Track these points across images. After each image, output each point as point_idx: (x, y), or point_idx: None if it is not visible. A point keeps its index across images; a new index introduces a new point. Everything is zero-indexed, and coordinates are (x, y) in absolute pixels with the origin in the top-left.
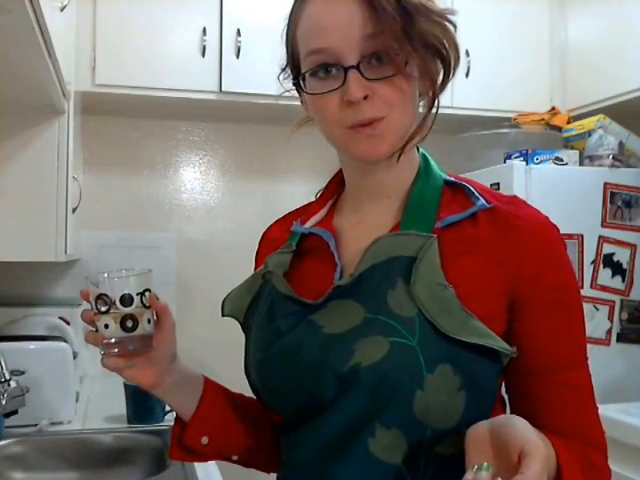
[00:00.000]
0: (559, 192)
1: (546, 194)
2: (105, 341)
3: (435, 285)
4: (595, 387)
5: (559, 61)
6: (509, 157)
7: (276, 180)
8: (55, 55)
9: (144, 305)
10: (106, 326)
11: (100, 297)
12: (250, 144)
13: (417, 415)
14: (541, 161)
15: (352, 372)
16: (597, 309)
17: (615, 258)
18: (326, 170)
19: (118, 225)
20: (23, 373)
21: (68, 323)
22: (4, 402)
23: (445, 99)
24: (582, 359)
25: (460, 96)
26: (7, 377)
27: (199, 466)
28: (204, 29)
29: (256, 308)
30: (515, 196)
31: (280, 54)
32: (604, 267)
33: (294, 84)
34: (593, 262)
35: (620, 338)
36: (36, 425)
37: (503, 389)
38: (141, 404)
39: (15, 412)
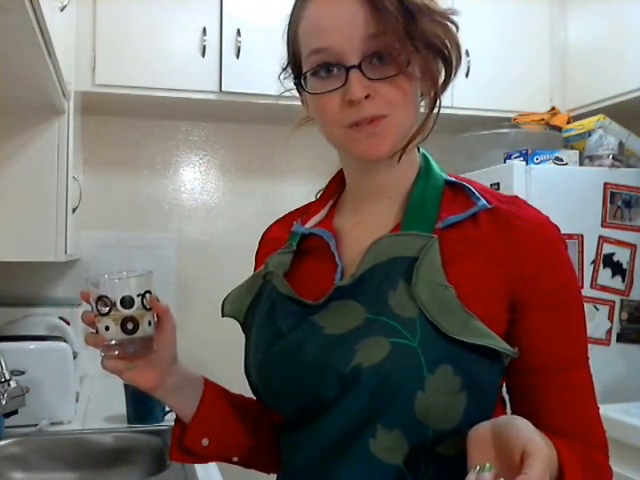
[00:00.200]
0: (559, 192)
1: (546, 194)
2: (105, 343)
3: (436, 286)
4: (595, 387)
5: (559, 61)
6: (509, 157)
7: (276, 180)
8: (55, 55)
9: (145, 307)
10: (106, 328)
11: (100, 299)
12: (250, 144)
13: (418, 416)
14: (541, 161)
15: (353, 373)
16: (597, 309)
17: (615, 258)
18: (326, 170)
19: (118, 225)
20: (23, 373)
21: (68, 323)
22: (4, 402)
23: (445, 99)
24: (583, 359)
25: (460, 96)
26: (7, 377)
27: (199, 466)
28: (204, 29)
29: (256, 308)
30: (516, 196)
31: (281, 54)
32: (604, 267)
33: (295, 84)
34: (593, 262)
35: (620, 338)
36: (36, 425)
37: (504, 389)
38: (141, 404)
39: (15, 412)
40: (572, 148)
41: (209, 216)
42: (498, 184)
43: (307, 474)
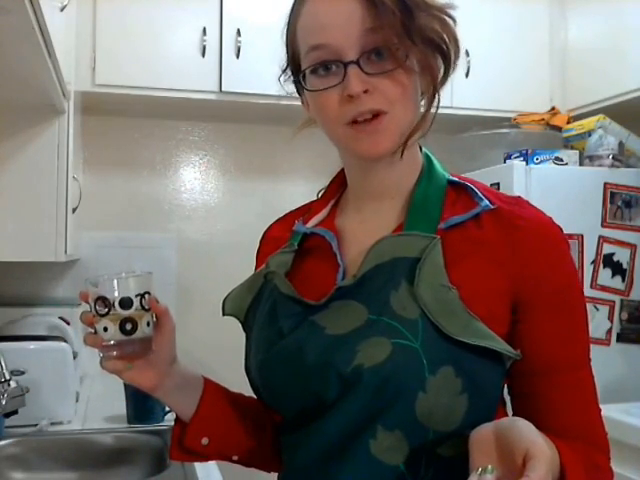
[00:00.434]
0: (559, 192)
1: (546, 194)
2: (104, 344)
3: (438, 286)
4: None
5: (559, 61)
6: (509, 157)
7: (276, 180)
8: (55, 55)
9: (144, 308)
10: (105, 329)
11: (99, 299)
12: (250, 144)
13: (419, 417)
14: (541, 161)
15: (354, 373)
16: (597, 309)
17: (615, 258)
18: (326, 170)
19: (118, 225)
20: (23, 373)
21: (68, 323)
22: (4, 402)
23: (445, 99)
24: (585, 360)
25: (460, 96)
26: (7, 377)
27: (199, 466)
28: (204, 29)
29: (257, 308)
30: (519, 197)
31: (280, 54)
32: (604, 267)
33: (294, 82)
34: (593, 262)
35: (620, 338)
36: (36, 425)
37: (505, 390)
38: (141, 404)
39: (15, 412)
40: (572, 148)
41: (209, 216)
42: (498, 184)
43: (307, 474)
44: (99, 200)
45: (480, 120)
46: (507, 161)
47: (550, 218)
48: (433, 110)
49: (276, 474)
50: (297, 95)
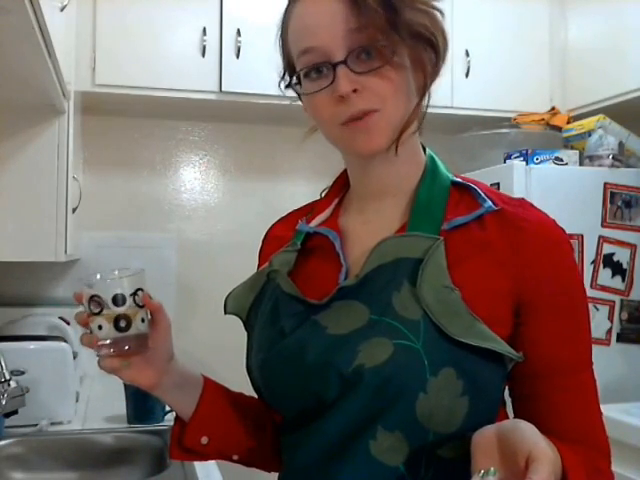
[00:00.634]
0: (559, 192)
1: (546, 194)
2: (100, 342)
3: (441, 287)
4: None
5: (559, 61)
6: (509, 157)
7: (276, 180)
8: (55, 55)
9: (137, 305)
10: (100, 327)
11: (92, 298)
12: (250, 144)
13: (419, 418)
14: (541, 161)
15: (355, 373)
16: (597, 309)
17: (615, 258)
18: (327, 170)
19: (118, 225)
20: (23, 373)
21: (68, 323)
22: (4, 402)
23: (445, 99)
24: (587, 362)
25: (460, 96)
26: (7, 377)
27: (199, 466)
28: (204, 29)
29: (259, 307)
30: (523, 199)
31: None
32: (604, 267)
33: (293, 85)
34: (593, 262)
35: (620, 338)
36: (36, 425)
37: (506, 393)
38: (141, 404)
39: (15, 412)
40: (572, 148)
41: (209, 216)
42: (498, 184)
43: (307, 474)
44: (99, 200)
45: (480, 120)
46: (507, 161)
47: (553, 220)
48: (425, 104)
49: (276, 474)
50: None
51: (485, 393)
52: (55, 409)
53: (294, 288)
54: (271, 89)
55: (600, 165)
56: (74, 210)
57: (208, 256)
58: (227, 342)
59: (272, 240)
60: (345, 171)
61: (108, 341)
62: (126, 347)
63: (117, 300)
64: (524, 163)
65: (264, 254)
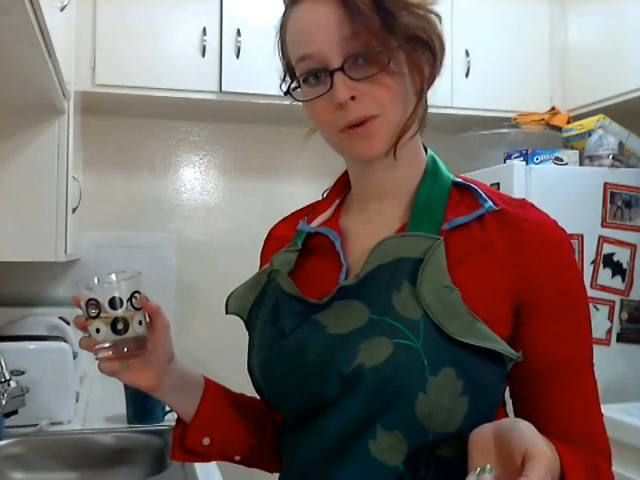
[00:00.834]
0: (559, 192)
1: (546, 194)
2: (98, 346)
3: (441, 287)
4: None
5: (559, 61)
6: (509, 157)
7: (276, 180)
8: (55, 55)
9: (134, 307)
10: (97, 330)
11: (90, 302)
12: (250, 144)
13: (419, 418)
14: (541, 161)
15: (355, 373)
16: (597, 309)
17: (615, 258)
18: (327, 170)
19: (118, 225)
20: (23, 373)
21: (68, 323)
22: (4, 402)
23: (445, 99)
24: (588, 363)
25: (460, 96)
26: (7, 377)
27: (199, 466)
28: (204, 29)
29: (260, 306)
30: (524, 199)
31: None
32: (604, 267)
33: (292, 90)
34: (593, 262)
35: (620, 338)
36: (36, 425)
37: (507, 393)
38: (141, 404)
39: (15, 412)
40: (572, 148)
41: (209, 216)
42: (498, 184)
43: (307, 474)
44: (99, 200)
45: (480, 120)
46: (507, 161)
47: (554, 221)
48: (422, 107)
49: (277, 475)
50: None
51: (485, 393)
52: (55, 409)
53: (294, 288)
54: (271, 89)
55: (600, 165)
56: (74, 210)
57: (208, 256)
58: (227, 342)
59: (274, 240)
60: (346, 172)
61: (106, 344)
62: (124, 349)
63: (114, 303)
64: (524, 163)
65: (266, 254)
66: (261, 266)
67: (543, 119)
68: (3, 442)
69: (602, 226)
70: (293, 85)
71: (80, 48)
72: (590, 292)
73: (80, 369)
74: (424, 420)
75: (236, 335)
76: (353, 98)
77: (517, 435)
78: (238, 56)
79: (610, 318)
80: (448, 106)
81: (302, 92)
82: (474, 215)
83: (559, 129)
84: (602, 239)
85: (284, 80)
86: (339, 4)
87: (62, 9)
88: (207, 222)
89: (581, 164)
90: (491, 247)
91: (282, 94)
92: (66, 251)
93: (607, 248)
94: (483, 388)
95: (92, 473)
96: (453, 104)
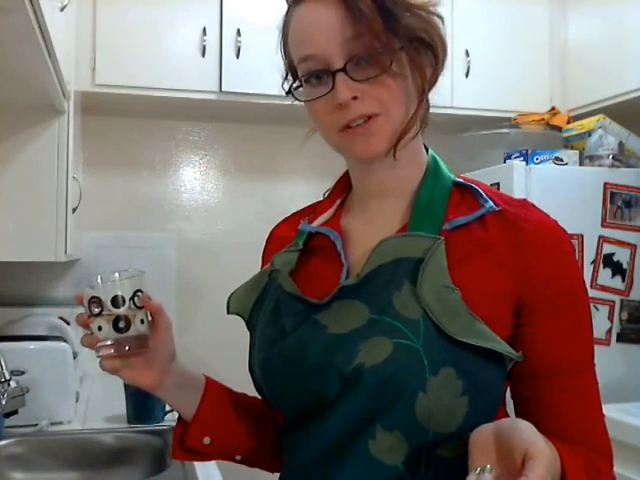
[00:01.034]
0: (559, 192)
1: (546, 194)
2: (100, 344)
3: (441, 287)
4: None
5: (559, 61)
6: (509, 157)
7: (276, 180)
8: (55, 55)
9: (136, 306)
10: (99, 328)
11: (92, 300)
12: (250, 144)
13: (418, 417)
14: (541, 161)
15: (355, 372)
16: (597, 309)
17: (615, 258)
18: (327, 170)
19: (118, 225)
20: (23, 373)
21: (68, 323)
22: (4, 402)
23: (445, 99)
24: (589, 364)
25: (460, 96)
26: (7, 377)
27: (199, 466)
28: (204, 29)
29: (261, 306)
30: (525, 199)
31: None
32: (604, 267)
33: (293, 90)
34: (593, 262)
35: (620, 338)
36: (36, 425)
37: (507, 394)
38: (141, 404)
39: (15, 412)
40: (572, 148)
41: (209, 216)
42: (498, 184)
43: (307, 474)
44: (99, 200)
45: (480, 120)
46: (507, 161)
47: (555, 221)
48: (423, 108)
49: (278, 475)
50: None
51: (485, 393)
52: (55, 409)
53: (295, 288)
54: (271, 89)
55: (600, 165)
56: (74, 210)
57: (208, 256)
58: (227, 341)
59: (276, 240)
60: (347, 172)
61: (108, 342)
62: (126, 348)
63: (116, 301)
64: (524, 163)
65: (267, 254)
66: (262, 266)
67: (543, 119)
68: (3, 442)
69: (602, 226)
70: (295, 85)
71: (80, 48)
72: (590, 292)
73: (80, 369)
74: (424, 420)
75: (237, 334)
76: (355, 98)
77: (517, 435)
78: (238, 56)
79: (610, 318)
80: (448, 106)
81: (304, 92)
82: (475, 215)
83: (559, 129)
84: (602, 239)
85: (286, 79)
86: (341, 5)
87: (62, 9)
88: (207, 222)
89: (581, 164)
90: (492, 247)
91: (283, 94)
92: (66, 251)
93: (607, 248)
94: (483, 388)
95: (92, 473)
96: (453, 104)
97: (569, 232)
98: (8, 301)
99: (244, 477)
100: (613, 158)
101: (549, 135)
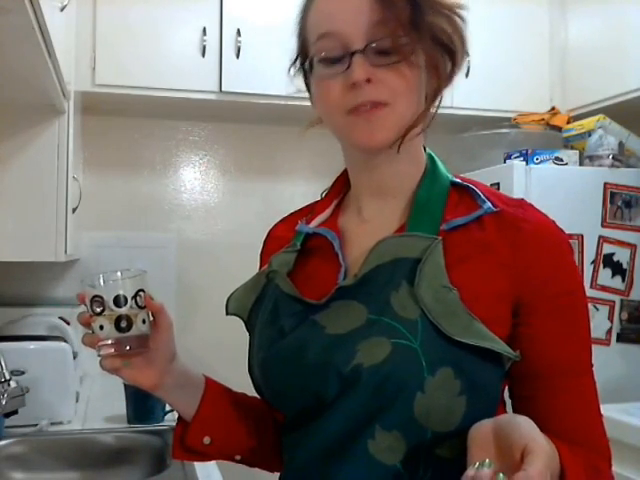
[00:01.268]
0: (559, 192)
1: (546, 194)
2: (101, 343)
3: (439, 287)
4: None
5: (559, 61)
6: (509, 157)
7: (276, 180)
8: (55, 55)
9: (138, 305)
10: (101, 327)
11: (94, 299)
12: (250, 144)
13: (417, 417)
14: (541, 161)
15: (354, 372)
16: (597, 309)
17: (615, 258)
18: (326, 170)
19: (118, 225)
20: (23, 373)
21: (68, 323)
22: (4, 402)
23: (445, 99)
24: (587, 366)
25: (460, 96)
26: (7, 377)
27: (199, 466)
28: (204, 29)
29: (260, 307)
30: (522, 199)
31: (283, 54)
32: (604, 267)
33: (302, 69)
34: (593, 262)
35: (620, 338)
36: (36, 425)
37: (506, 393)
38: (141, 404)
39: (15, 412)
40: (572, 148)
41: (209, 216)
42: (498, 184)
43: (307, 474)
44: (99, 200)
45: (480, 120)
46: (507, 161)
47: (553, 221)
48: (433, 109)
49: (278, 474)
50: (300, 95)
51: (483, 392)
52: (55, 409)
53: (293, 288)
54: (271, 89)
55: (600, 165)
56: (74, 210)
57: (208, 256)
58: (227, 341)
59: (273, 240)
60: (345, 172)
61: (109, 341)
62: (127, 347)
63: (118, 301)
64: (524, 163)
65: (265, 254)
66: (261, 267)
67: (543, 119)
68: (3, 442)
69: (602, 226)
70: (306, 66)
71: (80, 48)
72: (590, 292)
73: (80, 369)
74: (422, 419)
75: (236, 334)
76: (369, 81)
77: (516, 430)
78: (238, 56)
79: (610, 318)
80: (448, 106)
81: (315, 72)
82: (473, 216)
83: (559, 129)
84: (602, 239)
85: (294, 64)
86: None
87: (62, 9)
88: (207, 222)
89: (581, 164)
90: (490, 247)
91: (283, 94)
92: (66, 251)
93: (607, 248)
94: (481, 388)
95: (92, 473)
96: (453, 104)
97: (569, 232)
98: (8, 301)
99: (244, 477)
100: (613, 158)
101: (549, 135)
